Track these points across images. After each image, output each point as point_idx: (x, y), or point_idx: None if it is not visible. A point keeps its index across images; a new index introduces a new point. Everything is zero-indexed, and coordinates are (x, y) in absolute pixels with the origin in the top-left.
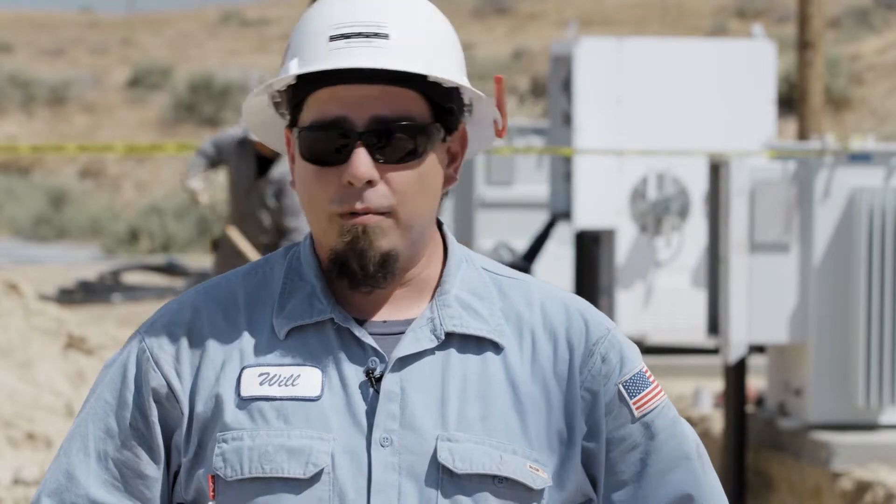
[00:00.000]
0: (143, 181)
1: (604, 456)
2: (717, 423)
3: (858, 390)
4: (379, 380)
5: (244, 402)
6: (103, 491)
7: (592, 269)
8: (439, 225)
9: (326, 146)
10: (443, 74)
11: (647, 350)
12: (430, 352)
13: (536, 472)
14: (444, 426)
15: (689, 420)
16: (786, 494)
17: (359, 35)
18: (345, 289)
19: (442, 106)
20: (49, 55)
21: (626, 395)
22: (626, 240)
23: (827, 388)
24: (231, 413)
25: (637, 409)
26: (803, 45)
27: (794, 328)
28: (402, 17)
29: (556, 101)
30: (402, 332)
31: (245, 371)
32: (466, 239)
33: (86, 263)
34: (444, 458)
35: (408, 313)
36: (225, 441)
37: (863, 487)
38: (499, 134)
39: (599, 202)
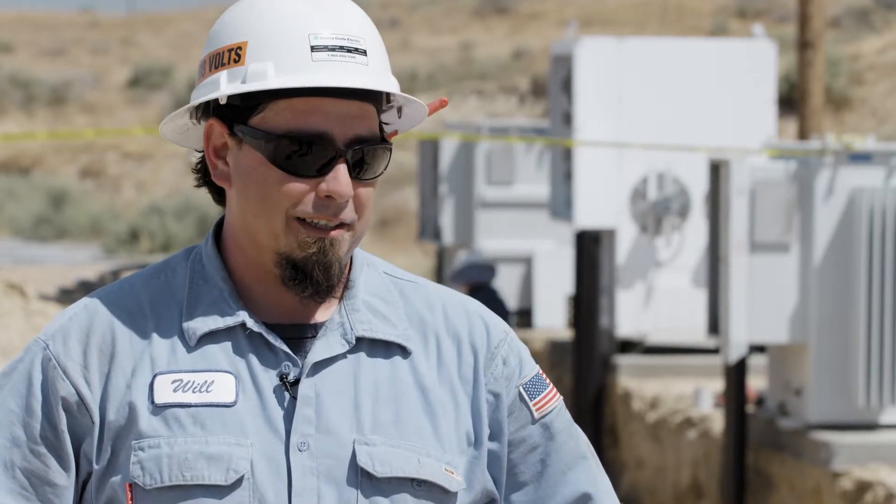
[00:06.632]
0: (144, 181)
1: (506, 457)
2: (718, 423)
3: (858, 390)
4: (293, 384)
5: (159, 410)
6: (11, 500)
7: (592, 269)
8: None
9: (304, 157)
10: (407, 95)
11: (648, 350)
12: (342, 356)
13: (452, 474)
14: (359, 430)
15: (689, 420)
16: (786, 494)
17: (342, 49)
18: (260, 292)
19: (383, 124)
20: (49, 55)
21: (526, 396)
22: (626, 240)
23: (827, 388)
24: (146, 420)
25: (537, 410)
26: (803, 45)
27: (794, 328)
28: (370, 32)
29: (556, 101)
30: (312, 336)
31: (157, 378)
32: (467, 239)
33: (86, 263)
34: (364, 462)
35: (316, 317)
36: (141, 449)
37: (863, 487)
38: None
39: (600, 202)
